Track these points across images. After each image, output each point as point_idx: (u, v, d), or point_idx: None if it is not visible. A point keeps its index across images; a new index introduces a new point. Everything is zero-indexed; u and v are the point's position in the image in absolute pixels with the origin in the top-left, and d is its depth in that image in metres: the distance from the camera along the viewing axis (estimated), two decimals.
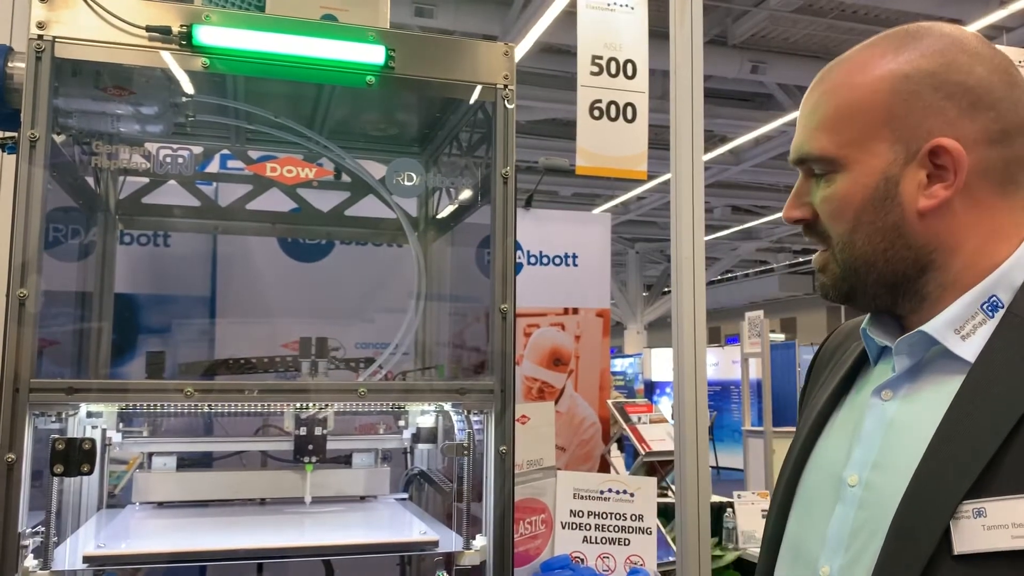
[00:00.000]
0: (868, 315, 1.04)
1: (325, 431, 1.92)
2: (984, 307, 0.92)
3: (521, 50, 6.93)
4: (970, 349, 0.90)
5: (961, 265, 0.94)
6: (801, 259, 19.93)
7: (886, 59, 0.95)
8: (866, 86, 0.95)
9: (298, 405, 1.88)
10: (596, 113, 2.80)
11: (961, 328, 0.91)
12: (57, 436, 1.58)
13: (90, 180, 2.33)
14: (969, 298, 0.92)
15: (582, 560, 2.40)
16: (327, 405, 1.89)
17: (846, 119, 0.95)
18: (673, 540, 3.01)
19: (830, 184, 0.97)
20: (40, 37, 1.60)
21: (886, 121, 0.94)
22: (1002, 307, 0.91)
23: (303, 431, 1.91)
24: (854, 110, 0.95)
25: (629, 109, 2.83)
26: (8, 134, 1.66)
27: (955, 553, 0.81)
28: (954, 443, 0.85)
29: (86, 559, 1.62)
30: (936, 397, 0.90)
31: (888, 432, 0.93)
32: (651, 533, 2.46)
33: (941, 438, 0.87)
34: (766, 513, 1.09)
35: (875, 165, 0.94)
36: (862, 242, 0.96)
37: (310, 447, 1.93)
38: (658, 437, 3.85)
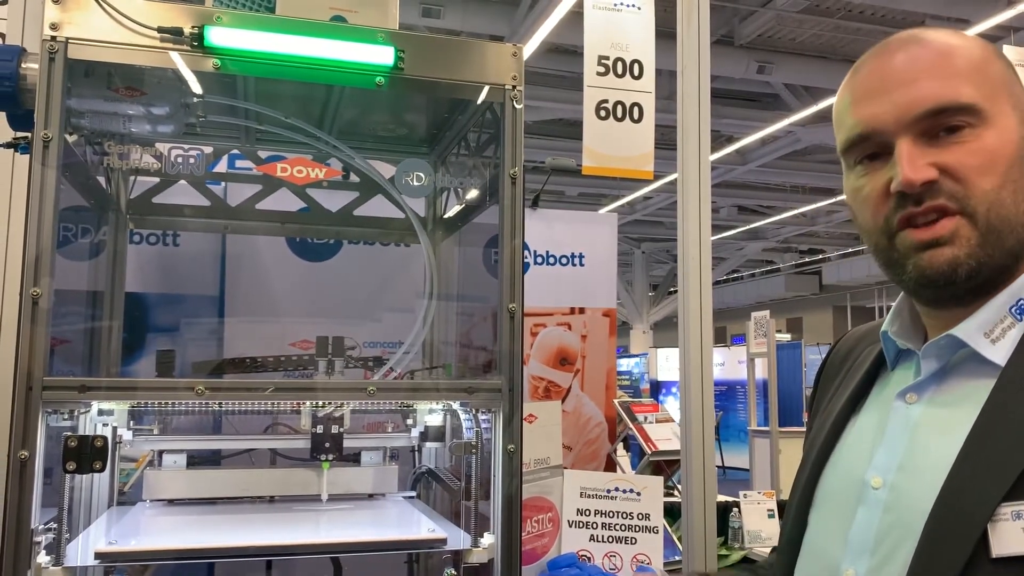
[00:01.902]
0: (888, 318, 1.03)
1: (342, 429, 1.93)
2: (1012, 311, 0.91)
3: (528, 50, 6.94)
4: (1000, 353, 0.89)
5: None
6: (807, 259, 19.89)
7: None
8: (984, 48, 0.94)
9: (307, 403, 1.89)
10: (603, 113, 2.80)
11: (991, 332, 0.91)
12: (69, 434, 1.60)
13: (101, 180, 2.34)
14: (999, 301, 0.91)
15: (589, 558, 2.41)
16: (342, 404, 1.90)
17: (980, 73, 0.92)
18: (679, 539, 3.02)
19: (973, 138, 0.90)
20: (53, 38, 1.61)
21: (1005, 84, 0.93)
22: None
23: (320, 429, 1.92)
24: (985, 66, 0.93)
25: (636, 109, 2.83)
26: (21, 134, 1.68)
27: (993, 556, 0.80)
28: (989, 445, 0.84)
29: (98, 555, 1.63)
30: (964, 400, 0.89)
31: (914, 435, 0.92)
32: (657, 532, 2.47)
33: (975, 440, 0.85)
34: (774, 514, 1.09)
35: (1010, 124, 0.91)
36: (1010, 200, 0.89)
37: (327, 445, 1.94)
38: (664, 437, 3.85)
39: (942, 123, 0.90)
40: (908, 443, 0.92)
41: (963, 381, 0.92)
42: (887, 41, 0.97)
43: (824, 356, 1.23)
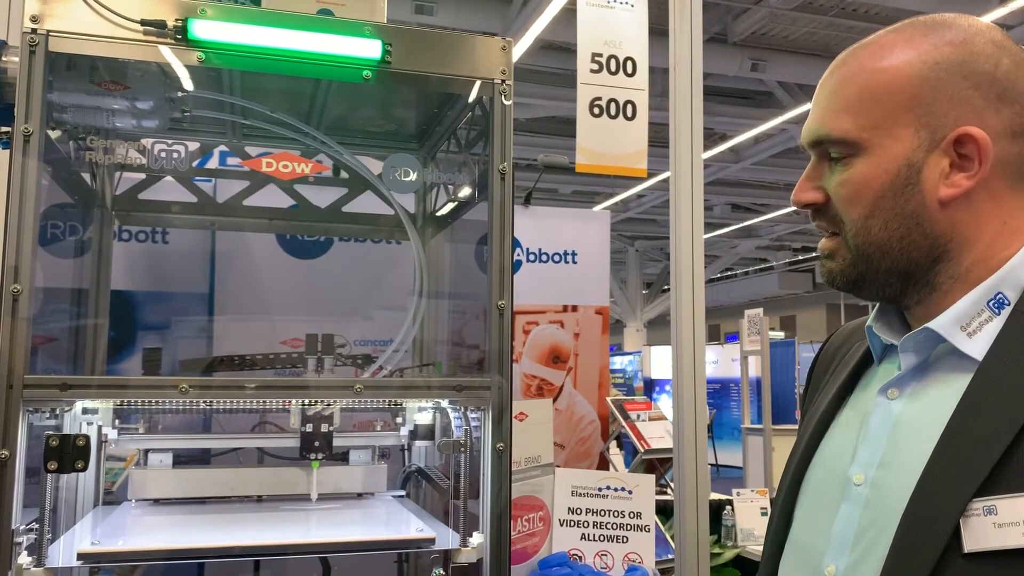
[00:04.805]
0: (873, 313, 1.03)
1: (331, 428, 1.91)
2: (990, 304, 0.91)
3: (521, 47, 6.92)
4: (977, 347, 0.89)
5: (974, 258, 0.93)
6: (801, 257, 19.92)
7: (913, 44, 0.94)
8: (893, 70, 0.93)
9: (294, 402, 1.87)
10: (596, 111, 2.79)
11: (967, 325, 0.91)
12: (51, 432, 1.57)
13: (86, 176, 2.32)
14: (976, 295, 0.91)
15: (580, 558, 2.40)
16: (334, 402, 1.88)
17: (870, 101, 0.93)
18: (672, 538, 3.00)
19: (847, 168, 0.95)
20: (34, 31, 1.59)
21: (912, 106, 0.92)
22: (1008, 304, 0.90)
23: (310, 428, 1.90)
24: (879, 93, 0.93)
25: (629, 107, 2.82)
26: (2, 129, 1.65)
27: (965, 551, 0.80)
28: (963, 441, 0.84)
29: (80, 556, 1.61)
30: (943, 395, 0.89)
31: (895, 431, 0.92)
32: (649, 531, 2.45)
33: (949, 436, 0.85)
34: (767, 512, 1.09)
35: (898, 150, 0.92)
36: (878, 228, 0.94)
37: (316, 443, 1.92)
38: (657, 435, 3.84)
39: (823, 151, 0.98)
40: (889, 439, 0.92)
41: (943, 376, 0.92)
42: (838, 56, 1.01)
43: (815, 353, 1.22)
